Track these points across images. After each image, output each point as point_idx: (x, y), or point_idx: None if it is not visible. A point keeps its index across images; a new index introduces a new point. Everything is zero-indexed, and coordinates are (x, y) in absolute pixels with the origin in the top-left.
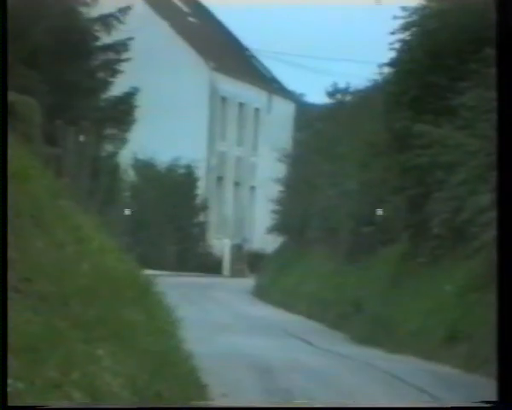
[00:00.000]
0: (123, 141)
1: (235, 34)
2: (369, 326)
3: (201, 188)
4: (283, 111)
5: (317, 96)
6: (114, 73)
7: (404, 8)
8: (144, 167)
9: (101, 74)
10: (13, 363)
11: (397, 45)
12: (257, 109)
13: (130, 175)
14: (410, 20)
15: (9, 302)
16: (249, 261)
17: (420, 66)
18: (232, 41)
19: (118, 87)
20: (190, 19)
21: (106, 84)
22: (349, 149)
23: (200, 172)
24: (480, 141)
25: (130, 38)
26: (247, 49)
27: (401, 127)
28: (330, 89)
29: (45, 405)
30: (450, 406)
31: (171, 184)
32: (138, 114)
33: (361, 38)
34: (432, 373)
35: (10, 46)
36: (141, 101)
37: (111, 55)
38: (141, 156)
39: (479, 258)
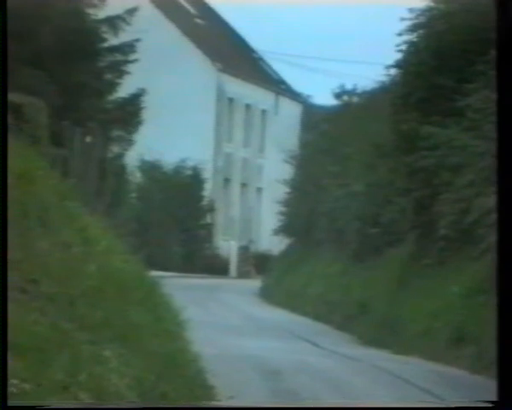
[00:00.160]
0: (130, 142)
1: (242, 35)
2: (376, 328)
3: (208, 189)
4: (290, 112)
5: (323, 97)
6: (121, 74)
7: (411, 10)
8: (151, 169)
9: (108, 76)
10: (19, 364)
11: (404, 47)
12: (264, 111)
13: (136, 176)
14: (417, 21)
15: (16, 303)
16: (256, 263)
17: (427, 67)
18: (239, 42)
19: (125, 88)
20: (197, 20)
21: (113, 86)
22: (356, 150)
23: (207, 174)
24: (487, 142)
25: (137, 40)
26: (253, 51)
27: (408, 129)
28: (337, 90)
29: (45, 405)
30: (450, 406)
31: (178, 186)
32: (145, 115)
33: (368, 40)
34: (438, 375)
35: (18, 48)
36: (148, 102)
37: (118, 57)
38: (147, 158)
39: (485, 259)
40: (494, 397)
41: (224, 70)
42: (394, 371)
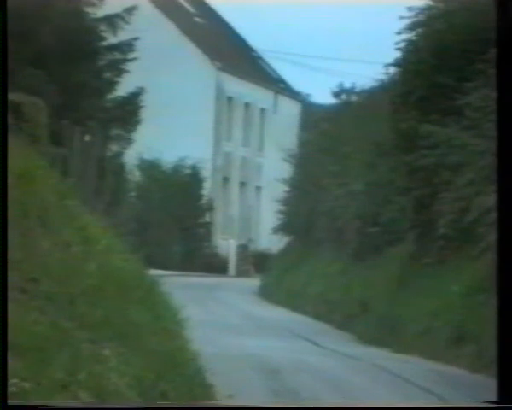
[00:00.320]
0: (129, 141)
1: (241, 34)
2: (376, 327)
3: (207, 188)
4: (289, 111)
5: (323, 96)
6: (120, 73)
7: (410, 9)
8: (150, 168)
9: (107, 74)
10: (19, 363)
11: (403, 45)
12: (263, 109)
13: (135, 175)
14: (416, 20)
15: (16, 303)
16: (255, 262)
17: (426, 66)
18: (238, 41)
19: (124, 87)
20: (196, 19)
21: (112, 85)
22: (355, 149)
23: (206, 173)
24: (487, 141)
25: (136, 38)
26: (253, 50)
27: (407, 127)
28: (336, 89)
29: (45, 405)
30: (450, 405)
31: (177, 185)
32: (144, 114)
33: (367, 39)
34: (438, 374)
35: (17, 47)
36: (147, 101)
37: (117, 56)
38: (147, 156)
39: (485, 258)
40: (494, 396)
41: (223, 69)
42: (394, 371)
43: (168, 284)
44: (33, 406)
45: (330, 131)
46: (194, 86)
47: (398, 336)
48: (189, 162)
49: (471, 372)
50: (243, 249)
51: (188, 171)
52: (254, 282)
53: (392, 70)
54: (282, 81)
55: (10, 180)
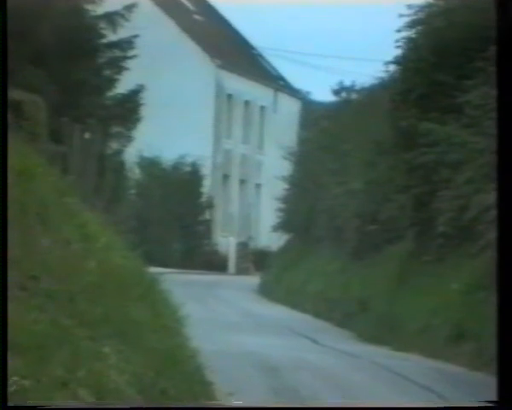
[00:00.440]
0: (129, 139)
1: (241, 32)
2: (375, 325)
3: (207, 186)
4: (289, 109)
5: (322, 94)
6: (120, 70)
7: (409, 6)
8: (150, 165)
9: (106, 72)
10: (19, 361)
11: (403, 43)
12: (263, 107)
13: (135, 173)
14: (416, 18)
15: (16, 300)
16: (255, 259)
17: (426, 64)
18: (238, 39)
19: (123, 85)
20: (196, 16)
21: (111, 82)
22: (355, 147)
23: (206, 170)
24: (487, 139)
25: (136, 36)
26: (253, 47)
27: (407, 125)
28: (336, 87)
29: (45, 405)
30: (450, 405)
31: (177, 182)
32: (144, 111)
33: (367, 37)
34: (438, 371)
35: (17, 46)
36: (146, 99)
37: (117, 53)
38: (147, 154)
39: (484, 256)
40: (494, 394)
41: (223, 66)
42: (394, 368)
43: (168, 281)
44: (34, 407)
45: (330, 129)
46: (193, 84)
47: (397, 334)
48: (189, 160)
49: (470, 370)
50: (243, 247)
51: (188, 168)
52: (254, 280)
53: (391, 68)
54: (281, 79)
55: (10, 178)
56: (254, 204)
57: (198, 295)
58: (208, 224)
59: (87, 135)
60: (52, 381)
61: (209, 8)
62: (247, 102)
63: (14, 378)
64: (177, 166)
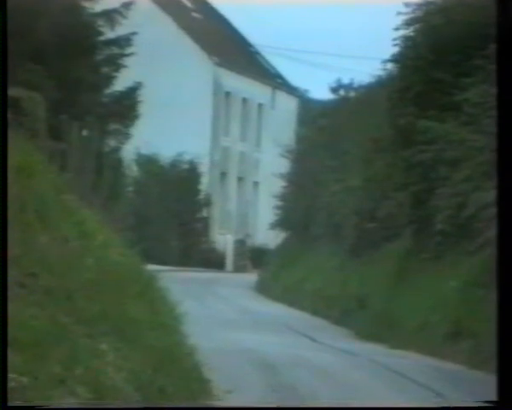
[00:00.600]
0: (126, 136)
1: (239, 30)
2: (373, 322)
3: (205, 183)
4: (287, 106)
5: (320, 91)
6: (118, 67)
7: (407, 4)
8: (148, 163)
9: (104, 69)
10: (17, 358)
11: (401, 41)
12: (260, 105)
13: (133, 170)
14: (414, 16)
15: (14, 298)
16: (252, 257)
17: (424, 61)
18: (236, 36)
19: (121, 82)
20: (194, 14)
21: (109, 79)
22: (353, 144)
23: (204, 168)
24: (485, 137)
25: (134, 33)
26: (250, 45)
27: (405, 123)
28: (334, 85)
29: (45, 404)
30: (450, 405)
31: (175, 180)
32: (142, 109)
33: (365, 35)
34: (436, 369)
35: (16, 43)
36: (144, 96)
37: (114, 50)
38: (144, 151)
39: (482, 254)
40: (491, 392)
41: (220, 64)
42: (391, 366)
43: (166, 278)
44: (33, 407)
45: (328, 127)
46: (191, 81)
47: (395, 332)
48: (187, 157)
49: (468, 368)
50: (241, 244)
51: (185, 166)
52: (251, 277)
53: (390, 66)
54: (279, 76)
55: (10, 175)
56: (252, 202)
57: (196, 293)
58: (206, 221)
59: (85, 132)
60: (50, 378)
61: (207, 6)
62: (245, 100)
63: (13, 375)
64: (174, 164)
